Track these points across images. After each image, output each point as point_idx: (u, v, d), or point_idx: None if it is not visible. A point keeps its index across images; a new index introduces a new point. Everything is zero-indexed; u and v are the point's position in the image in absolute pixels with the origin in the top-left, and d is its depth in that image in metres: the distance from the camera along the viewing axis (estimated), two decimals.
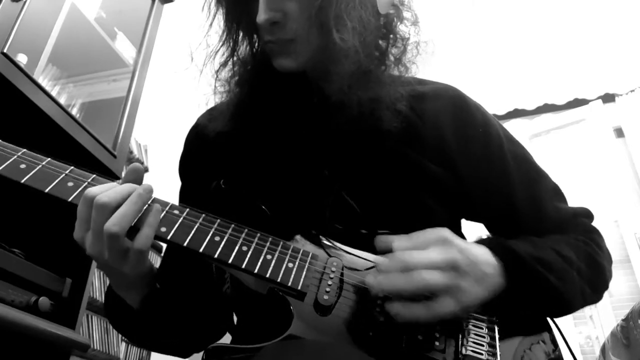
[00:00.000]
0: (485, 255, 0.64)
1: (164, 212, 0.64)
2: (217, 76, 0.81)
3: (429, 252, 0.60)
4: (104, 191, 0.60)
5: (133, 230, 0.60)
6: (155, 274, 0.71)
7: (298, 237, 0.68)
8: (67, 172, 0.64)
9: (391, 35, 0.79)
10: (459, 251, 0.60)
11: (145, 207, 0.62)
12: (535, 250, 0.69)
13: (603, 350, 1.52)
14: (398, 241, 0.62)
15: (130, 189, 0.62)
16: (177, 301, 0.75)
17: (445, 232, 0.63)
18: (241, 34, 0.80)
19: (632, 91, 3.10)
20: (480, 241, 0.68)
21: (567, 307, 0.72)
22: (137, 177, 0.66)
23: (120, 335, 1.93)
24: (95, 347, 1.70)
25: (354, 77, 0.72)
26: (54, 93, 1.60)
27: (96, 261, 0.63)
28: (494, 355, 0.61)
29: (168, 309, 0.73)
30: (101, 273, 1.85)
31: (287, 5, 0.70)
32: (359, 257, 0.68)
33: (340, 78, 0.71)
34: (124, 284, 0.69)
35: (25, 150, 0.65)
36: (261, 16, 0.70)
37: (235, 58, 0.80)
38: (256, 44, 0.82)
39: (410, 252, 0.60)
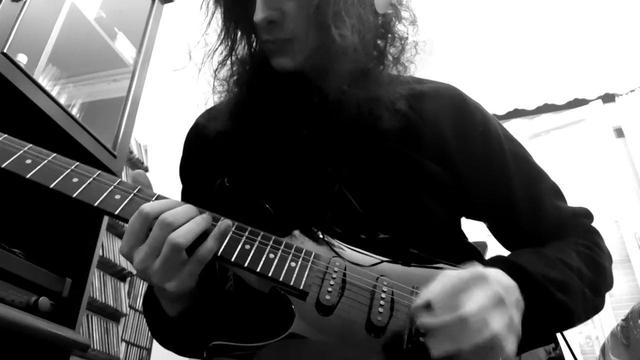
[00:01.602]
0: (507, 279, 0.61)
1: None
2: (216, 76, 0.81)
3: (475, 293, 0.55)
4: (166, 209, 0.60)
5: (192, 247, 0.60)
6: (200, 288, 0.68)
7: (296, 232, 0.68)
8: (72, 167, 0.64)
9: (389, 35, 0.79)
10: (497, 283, 0.57)
11: None
12: (545, 267, 0.68)
13: (603, 350, 1.52)
14: (432, 290, 0.56)
15: (194, 211, 0.62)
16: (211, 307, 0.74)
17: (475, 267, 0.59)
18: (239, 34, 0.80)
19: (632, 91, 3.10)
20: (491, 262, 0.67)
21: (575, 322, 0.71)
22: (145, 180, 0.66)
23: (120, 335, 1.93)
24: (95, 347, 1.70)
25: (352, 75, 0.72)
26: (54, 93, 1.60)
27: (140, 276, 0.62)
28: None
29: (205, 317, 0.72)
30: (101, 273, 1.85)
31: (285, 4, 0.70)
32: (360, 252, 0.67)
33: (339, 76, 0.71)
34: (164, 298, 0.67)
35: (31, 145, 0.64)
36: (258, 15, 0.70)
37: (234, 58, 0.80)
38: (254, 44, 0.82)
39: (455, 298, 0.54)
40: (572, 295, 0.67)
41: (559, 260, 0.70)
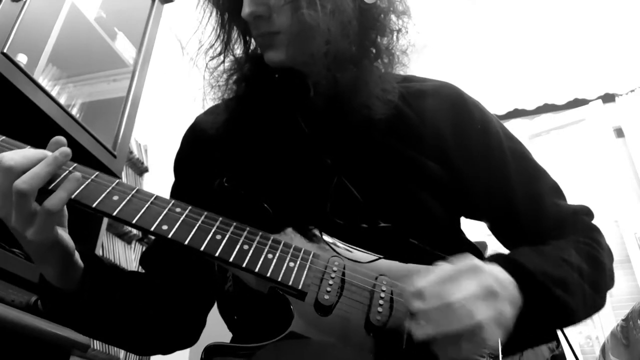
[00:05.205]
0: (504, 274, 0.62)
1: (166, 210, 0.63)
2: (214, 74, 0.81)
3: (465, 283, 0.56)
4: (12, 154, 0.57)
5: (48, 194, 0.58)
6: (79, 251, 0.67)
7: (289, 230, 0.68)
8: (70, 169, 0.63)
9: (380, 26, 0.78)
10: (490, 276, 0.58)
11: (65, 174, 0.60)
12: (545, 264, 0.67)
13: (603, 350, 1.52)
14: (424, 279, 0.57)
15: (41, 154, 0.59)
16: (142, 289, 0.74)
17: (471, 260, 0.60)
18: (236, 31, 0.81)
19: (632, 91, 3.10)
20: (491, 259, 0.67)
21: (575, 320, 0.71)
22: (58, 148, 0.63)
23: None
24: (95, 347, 1.70)
25: (337, 62, 0.72)
26: (54, 93, 1.60)
27: (6, 224, 0.59)
28: (496, 358, 0.61)
29: (122, 292, 0.70)
30: None
31: None
32: (357, 250, 0.68)
33: (320, 61, 0.71)
34: (31, 252, 0.64)
35: (29, 147, 0.64)
36: (245, 10, 0.70)
37: (230, 55, 0.81)
38: (250, 41, 0.82)
39: (445, 286, 0.56)
40: (571, 293, 0.67)
41: (558, 258, 0.69)
